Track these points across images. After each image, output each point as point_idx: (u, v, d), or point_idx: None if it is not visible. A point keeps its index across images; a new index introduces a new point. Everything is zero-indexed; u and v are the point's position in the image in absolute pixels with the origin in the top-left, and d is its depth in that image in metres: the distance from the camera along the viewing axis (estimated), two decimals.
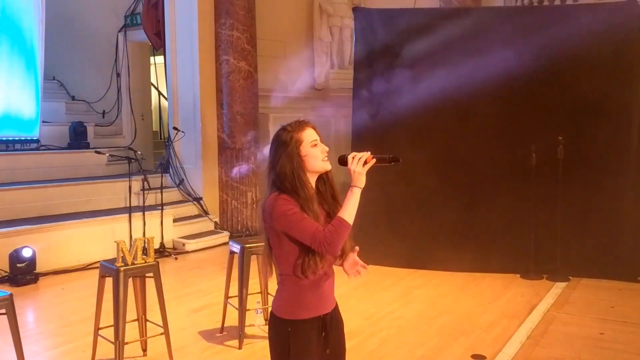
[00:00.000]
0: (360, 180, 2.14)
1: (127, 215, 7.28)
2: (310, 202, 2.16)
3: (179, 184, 8.76)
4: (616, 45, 6.36)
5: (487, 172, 6.56)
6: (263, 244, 2.29)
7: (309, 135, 2.21)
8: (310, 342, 2.20)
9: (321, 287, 2.25)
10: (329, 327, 2.27)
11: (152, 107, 11.01)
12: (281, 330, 2.21)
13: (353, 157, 2.16)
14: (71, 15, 10.39)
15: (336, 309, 2.34)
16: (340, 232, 2.09)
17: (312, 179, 2.24)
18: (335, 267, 2.34)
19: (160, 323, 4.12)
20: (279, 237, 2.17)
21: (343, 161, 2.19)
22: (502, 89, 6.54)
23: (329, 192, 2.28)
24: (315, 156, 2.21)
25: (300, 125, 2.24)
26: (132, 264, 3.91)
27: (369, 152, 2.18)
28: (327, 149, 2.24)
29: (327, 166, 2.24)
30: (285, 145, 2.19)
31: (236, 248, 4.67)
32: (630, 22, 6.33)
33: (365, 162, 2.15)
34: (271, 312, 2.28)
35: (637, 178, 6.33)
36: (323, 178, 2.28)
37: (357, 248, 2.34)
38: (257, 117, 8.93)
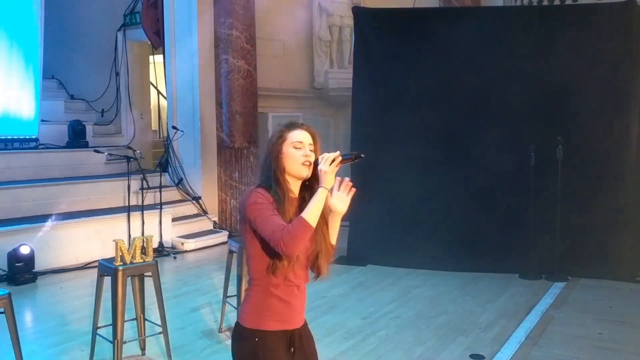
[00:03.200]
0: (325, 179, 2.06)
1: (125, 214, 7.27)
2: (282, 200, 2.10)
3: (178, 183, 8.76)
4: (616, 46, 6.37)
5: (486, 172, 6.56)
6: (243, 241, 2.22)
7: (295, 136, 2.15)
8: (279, 355, 2.13)
9: (292, 299, 2.16)
10: (298, 343, 2.19)
11: (151, 106, 11.00)
12: (248, 341, 2.12)
13: (322, 157, 2.11)
14: (70, 14, 10.38)
15: (306, 327, 2.26)
16: (298, 232, 1.98)
17: (294, 183, 2.17)
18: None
19: (159, 322, 4.12)
20: (253, 232, 2.10)
21: (316, 164, 2.13)
22: (502, 89, 6.55)
23: None
24: (294, 158, 2.13)
25: (293, 124, 2.20)
26: (131, 263, 3.90)
27: (339, 152, 2.12)
28: (310, 155, 2.14)
29: (304, 172, 2.14)
30: (272, 140, 2.18)
31: (235, 247, 4.67)
32: (631, 22, 6.34)
33: (333, 161, 2.09)
34: (236, 322, 2.19)
35: (635, 178, 6.35)
36: (312, 188, 2.15)
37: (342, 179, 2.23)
38: (257, 116, 8.93)
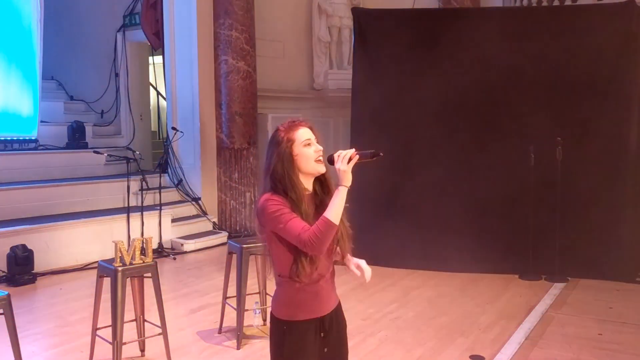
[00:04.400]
0: (345, 178, 2.10)
1: (125, 215, 7.27)
2: (299, 203, 2.15)
3: (178, 184, 8.75)
4: (616, 47, 6.36)
5: (485, 173, 6.56)
6: (261, 244, 2.31)
7: (301, 135, 2.19)
8: (306, 342, 2.20)
9: (318, 288, 2.23)
10: (328, 327, 2.27)
11: (151, 107, 11.01)
12: (277, 330, 2.24)
13: (338, 156, 2.13)
14: (70, 15, 10.38)
15: (338, 309, 2.34)
16: (324, 233, 2.06)
17: (308, 181, 2.22)
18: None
19: (159, 323, 4.11)
20: (272, 239, 2.18)
21: (331, 160, 2.17)
22: (501, 90, 6.55)
23: (327, 195, 2.23)
24: (308, 156, 2.18)
25: (294, 124, 2.22)
26: (131, 264, 3.90)
27: (354, 149, 2.15)
28: (321, 148, 2.21)
29: (320, 168, 2.21)
30: (277, 144, 2.19)
31: (235, 248, 4.66)
32: (631, 23, 6.34)
33: (350, 160, 2.12)
34: (270, 311, 2.30)
35: (635, 179, 6.34)
36: (320, 180, 2.26)
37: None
38: (256, 117, 8.93)
